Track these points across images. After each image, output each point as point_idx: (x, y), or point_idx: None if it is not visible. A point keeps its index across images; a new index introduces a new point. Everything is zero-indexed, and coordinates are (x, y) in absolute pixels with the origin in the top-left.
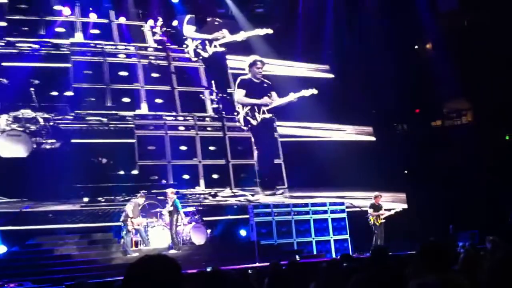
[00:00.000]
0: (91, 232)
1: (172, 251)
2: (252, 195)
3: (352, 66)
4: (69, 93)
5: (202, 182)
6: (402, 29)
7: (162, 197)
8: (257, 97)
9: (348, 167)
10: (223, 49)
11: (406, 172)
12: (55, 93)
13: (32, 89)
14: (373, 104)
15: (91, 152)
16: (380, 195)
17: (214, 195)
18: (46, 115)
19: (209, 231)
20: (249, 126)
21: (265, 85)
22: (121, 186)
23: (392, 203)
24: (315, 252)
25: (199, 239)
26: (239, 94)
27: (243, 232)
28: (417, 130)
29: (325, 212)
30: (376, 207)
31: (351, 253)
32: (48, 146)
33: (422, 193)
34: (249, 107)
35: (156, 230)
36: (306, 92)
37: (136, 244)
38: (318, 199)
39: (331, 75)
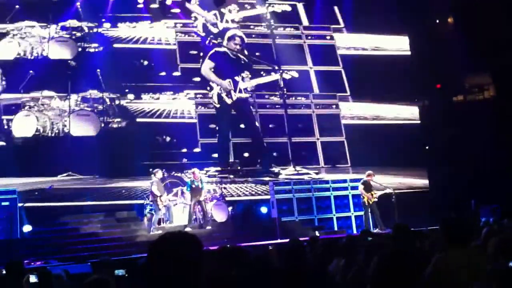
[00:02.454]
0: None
1: (188, 229)
2: (316, 173)
3: None
4: (177, 73)
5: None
6: (423, 3)
7: (182, 175)
8: (228, 74)
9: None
10: (234, 25)
11: (427, 147)
12: (163, 74)
13: (98, 70)
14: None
15: (155, 130)
16: (373, 173)
17: (277, 174)
18: (112, 95)
19: (230, 208)
20: (222, 104)
21: (242, 62)
22: (186, 164)
23: (413, 179)
24: (336, 229)
25: (220, 216)
26: (206, 65)
27: (264, 209)
28: (439, 106)
29: (345, 188)
30: (368, 185)
31: (371, 229)
32: (115, 125)
33: (444, 168)
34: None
35: (178, 208)
36: (285, 76)
37: (159, 222)
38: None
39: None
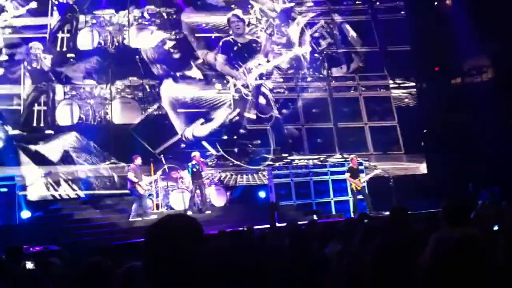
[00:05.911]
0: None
1: (189, 213)
2: (366, 161)
3: (367, 23)
4: None
5: (306, 146)
6: None
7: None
8: (241, 61)
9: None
10: (292, 4)
11: (425, 131)
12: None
13: (137, 56)
14: (392, 62)
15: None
16: (355, 156)
17: (324, 161)
18: (151, 82)
19: (228, 193)
20: (241, 95)
21: (254, 44)
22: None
23: (411, 162)
24: (333, 212)
25: (219, 200)
26: (219, 61)
27: (262, 194)
28: (437, 88)
29: (343, 172)
30: (354, 171)
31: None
32: (155, 112)
33: (442, 152)
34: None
35: (176, 193)
36: (300, 50)
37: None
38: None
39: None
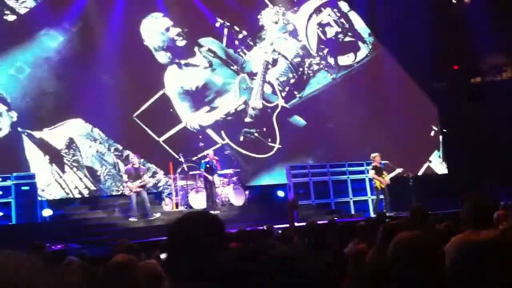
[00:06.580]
0: None
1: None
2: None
3: (385, 22)
4: None
5: (321, 143)
6: None
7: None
8: (246, 49)
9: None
10: None
11: (444, 130)
12: None
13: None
14: (410, 61)
15: None
16: (379, 154)
17: (342, 161)
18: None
19: (247, 192)
20: (246, 83)
21: (260, 32)
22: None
23: (431, 162)
24: (353, 212)
25: (238, 200)
26: (224, 48)
27: (280, 193)
28: (456, 87)
29: (362, 172)
30: (378, 169)
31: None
32: (159, 100)
33: (461, 151)
34: None
35: (194, 192)
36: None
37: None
38: None
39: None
